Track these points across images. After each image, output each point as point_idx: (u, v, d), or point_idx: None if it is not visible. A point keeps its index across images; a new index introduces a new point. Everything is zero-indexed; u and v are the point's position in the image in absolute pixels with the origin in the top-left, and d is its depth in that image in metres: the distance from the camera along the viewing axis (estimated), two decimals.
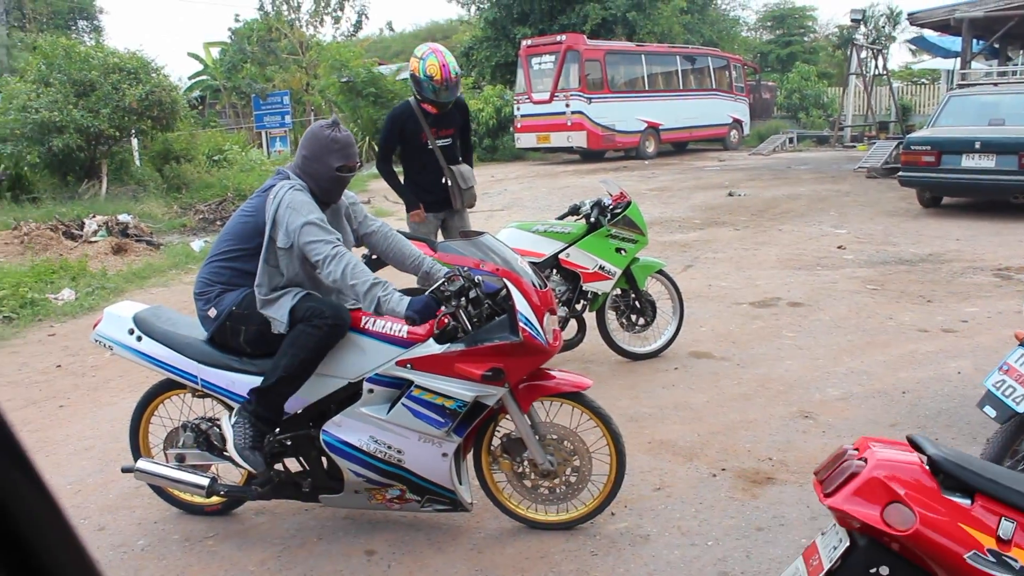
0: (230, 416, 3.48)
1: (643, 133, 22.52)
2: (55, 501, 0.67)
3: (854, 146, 23.58)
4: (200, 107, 29.44)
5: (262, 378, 3.39)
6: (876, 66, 25.80)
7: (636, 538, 3.58)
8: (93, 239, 10.59)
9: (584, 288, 5.64)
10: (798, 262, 8.97)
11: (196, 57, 31.71)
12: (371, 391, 3.41)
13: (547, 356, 3.42)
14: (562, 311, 5.62)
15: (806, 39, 40.73)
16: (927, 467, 1.99)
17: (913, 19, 19.42)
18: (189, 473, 3.64)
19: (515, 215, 6.28)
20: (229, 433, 3.43)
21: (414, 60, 5.47)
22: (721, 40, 31.80)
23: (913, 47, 32.19)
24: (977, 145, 11.03)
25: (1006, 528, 1.88)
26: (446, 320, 3.23)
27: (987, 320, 6.55)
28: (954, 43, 21.74)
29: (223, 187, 15.13)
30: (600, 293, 5.68)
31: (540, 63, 21.92)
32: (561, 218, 5.81)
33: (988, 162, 10.95)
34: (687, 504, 3.85)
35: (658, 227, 11.50)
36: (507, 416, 3.53)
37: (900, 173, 12.21)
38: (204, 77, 31.30)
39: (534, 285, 3.37)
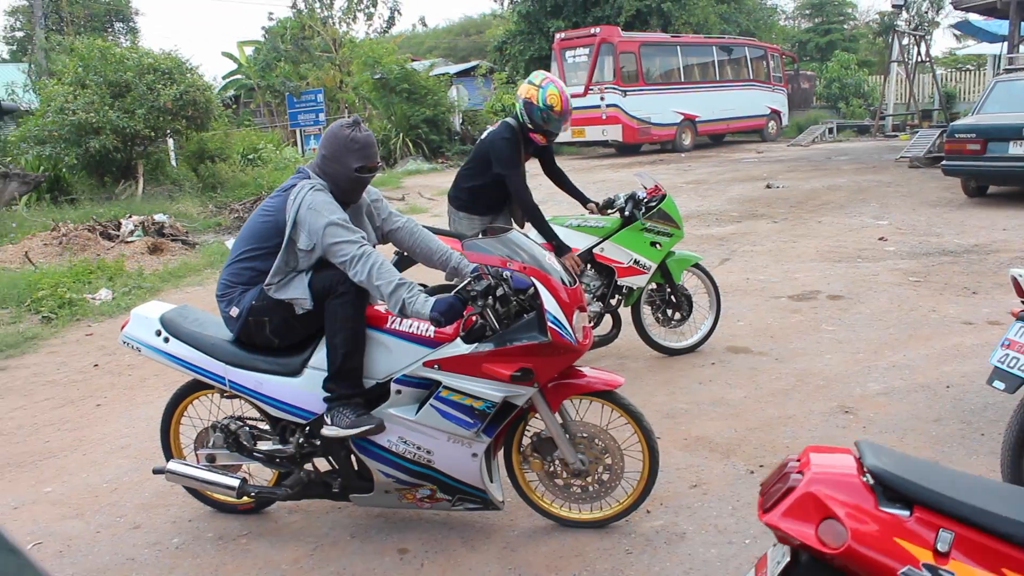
0: (327, 420, 3.40)
1: (679, 125, 22.33)
2: None
3: (896, 135, 23.19)
4: (235, 106, 29.69)
5: (327, 368, 3.36)
6: (919, 53, 25.37)
7: (672, 536, 3.51)
8: (130, 239, 10.70)
9: (619, 283, 5.56)
10: (838, 254, 8.80)
11: (230, 56, 32.00)
12: (399, 392, 3.38)
13: (577, 355, 3.36)
14: (596, 306, 5.56)
15: (845, 27, 40.15)
16: (866, 479, 1.90)
17: (957, 3, 19.02)
18: (219, 474, 3.63)
19: (551, 210, 6.21)
20: (335, 432, 3.36)
21: (531, 88, 5.21)
22: (758, 29, 31.47)
23: (957, 32, 31.54)
24: None
25: (944, 539, 1.79)
26: (474, 319, 3.19)
27: None
28: (1001, 27, 21.19)
29: (258, 186, 15.24)
30: (635, 288, 5.61)
31: (574, 56, 21.81)
32: (601, 210, 5.72)
33: None
34: (724, 502, 3.77)
35: (695, 220, 11.37)
36: (537, 415, 3.48)
37: (944, 162, 11.94)
38: (238, 76, 31.52)
39: (563, 282, 3.32)
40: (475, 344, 3.27)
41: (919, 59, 25.50)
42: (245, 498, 3.70)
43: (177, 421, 3.88)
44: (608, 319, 5.74)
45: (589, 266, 5.57)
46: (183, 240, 11.09)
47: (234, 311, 3.49)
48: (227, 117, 19.37)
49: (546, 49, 25.21)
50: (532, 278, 3.26)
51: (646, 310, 5.83)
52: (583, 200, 5.78)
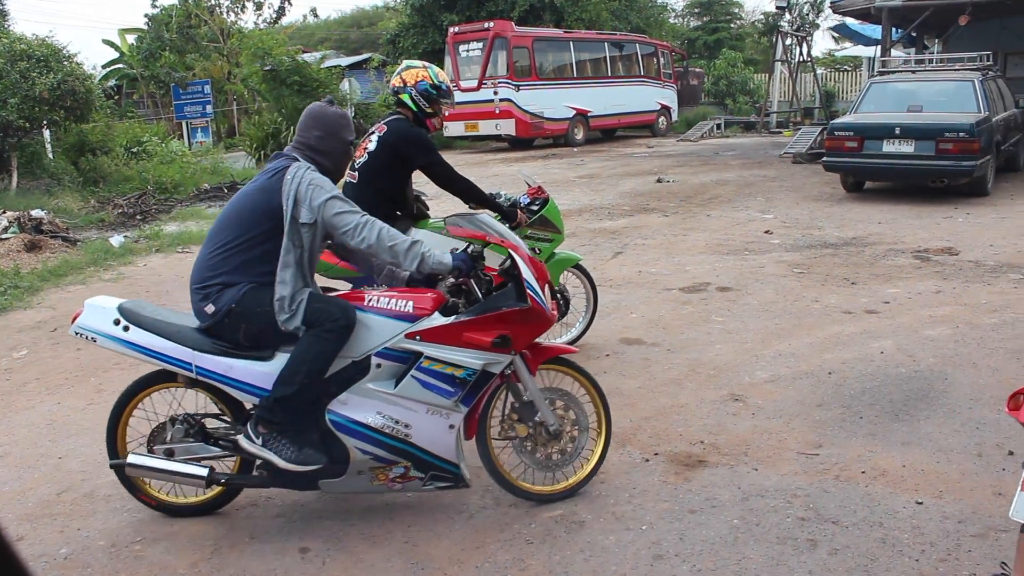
0: (250, 439, 3.43)
1: (572, 120, 22.58)
2: None
3: (780, 132, 24.01)
4: (116, 97, 28.56)
5: (273, 386, 3.38)
6: (801, 53, 26.29)
7: (571, 525, 3.58)
8: (4, 236, 10.19)
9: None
10: (726, 247, 9.09)
11: (111, 44, 30.75)
12: (379, 366, 3.46)
13: (548, 325, 3.65)
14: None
15: (732, 26, 41.34)
16: None
17: (836, 7, 19.80)
18: (186, 464, 3.58)
19: (443, 206, 6.17)
20: (269, 456, 3.40)
21: (418, 71, 4.96)
22: (649, 27, 32.02)
23: (836, 34, 32.92)
24: (897, 131, 11.36)
25: None
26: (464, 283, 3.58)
27: (907, 301, 6.74)
28: (875, 31, 22.21)
29: (143, 180, 14.68)
30: None
31: (468, 50, 21.82)
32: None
33: (908, 147, 11.27)
34: (621, 490, 3.87)
35: (588, 215, 11.55)
36: (504, 393, 3.76)
37: (824, 158, 12.48)
38: (120, 65, 30.32)
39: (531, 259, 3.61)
40: (454, 316, 3.47)
41: (801, 59, 26.43)
42: (211, 490, 3.68)
43: (126, 419, 3.73)
44: None
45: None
46: (63, 237, 10.60)
47: (210, 308, 3.45)
48: (109, 108, 18.64)
49: (439, 43, 25.09)
50: (510, 251, 3.56)
51: None
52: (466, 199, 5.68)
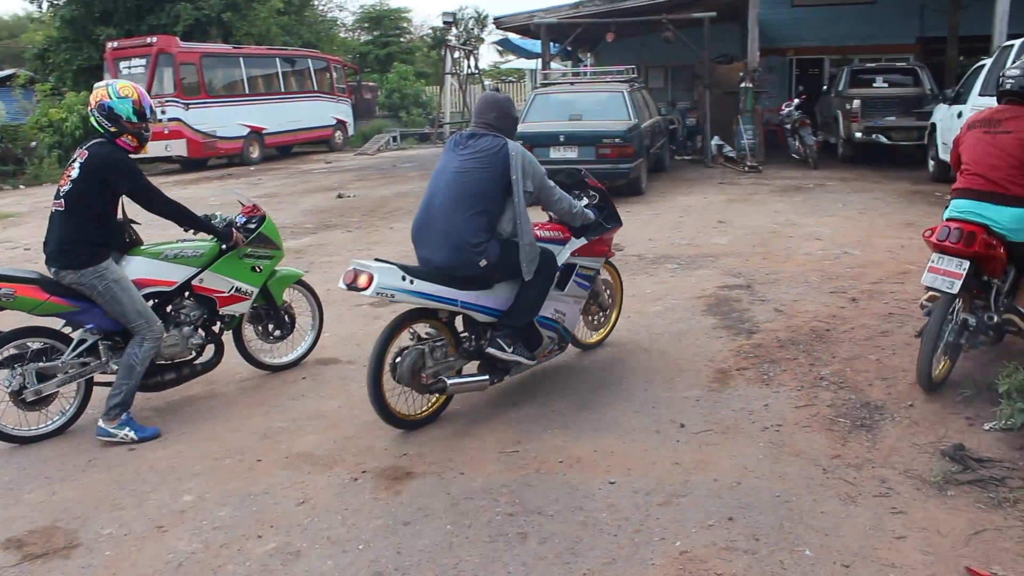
0: (501, 349, 4.73)
1: (246, 138, 21.86)
2: None
3: None
4: None
5: (518, 313, 4.80)
6: (469, 65, 27.41)
7: (287, 556, 3.48)
8: None
9: (220, 312, 5.34)
10: (412, 258, 9.22)
11: None
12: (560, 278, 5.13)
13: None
14: (199, 337, 5.29)
15: (402, 40, 42.08)
16: None
17: (499, 23, 20.89)
18: (474, 377, 4.83)
19: (149, 235, 5.71)
20: (518, 358, 4.80)
21: (98, 91, 4.77)
22: (320, 41, 31.82)
23: (500, 48, 34.69)
24: (561, 138, 12.26)
25: None
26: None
27: None
28: (535, 45, 23.72)
29: None
30: (237, 315, 5.45)
31: (129, 67, 20.36)
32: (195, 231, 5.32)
33: (572, 153, 12.19)
34: (333, 513, 3.82)
35: None
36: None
37: None
38: None
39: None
40: (582, 239, 5.25)
41: (470, 71, 27.59)
42: (438, 399, 4.84)
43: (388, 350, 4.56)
44: (210, 347, 5.45)
45: (188, 294, 5.23)
46: None
47: (483, 262, 4.55)
48: None
49: (97, 59, 23.12)
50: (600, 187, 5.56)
51: (248, 329, 5.71)
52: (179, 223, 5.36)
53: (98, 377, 4.94)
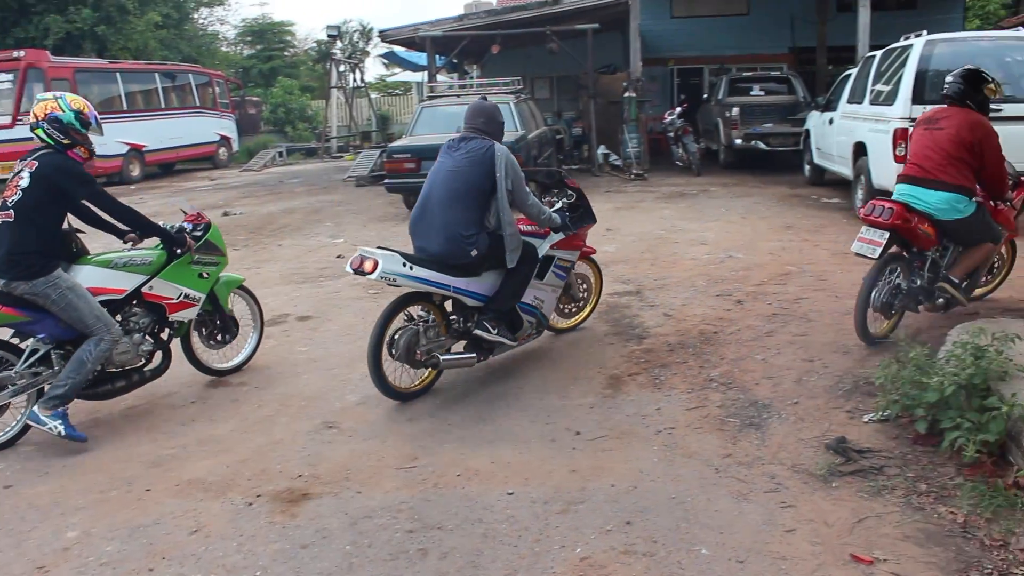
0: (486, 331, 5.27)
1: (126, 156, 21.04)
2: None
3: (341, 156, 24.64)
4: None
5: (503, 299, 5.35)
6: (355, 79, 27.18)
7: None
8: None
9: (170, 318, 5.36)
10: (301, 276, 9.12)
11: None
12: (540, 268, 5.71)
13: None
14: (148, 344, 5.28)
15: (287, 53, 41.34)
16: None
17: (384, 36, 20.79)
18: (461, 354, 5.40)
19: (92, 245, 5.55)
20: (502, 339, 5.36)
21: (47, 103, 4.80)
22: (201, 56, 31.06)
23: (386, 61, 34.51)
24: None
25: None
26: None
27: None
28: (421, 58, 23.66)
29: None
30: (186, 321, 5.48)
31: None
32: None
33: None
34: (228, 540, 3.71)
35: None
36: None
37: (385, 180, 13.05)
38: None
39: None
40: (560, 233, 5.79)
41: (355, 84, 27.37)
42: (429, 374, 5.37)
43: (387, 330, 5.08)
44: (158, 354, 5.45)
45: (137, 302, 5.21)
46: None
47: (474, 252, 5.10)
48: None
49: None
50: (575, 188, 6.15)
51: (195, 335, 5.75)
52: (119, 233, 5.32)
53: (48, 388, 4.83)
